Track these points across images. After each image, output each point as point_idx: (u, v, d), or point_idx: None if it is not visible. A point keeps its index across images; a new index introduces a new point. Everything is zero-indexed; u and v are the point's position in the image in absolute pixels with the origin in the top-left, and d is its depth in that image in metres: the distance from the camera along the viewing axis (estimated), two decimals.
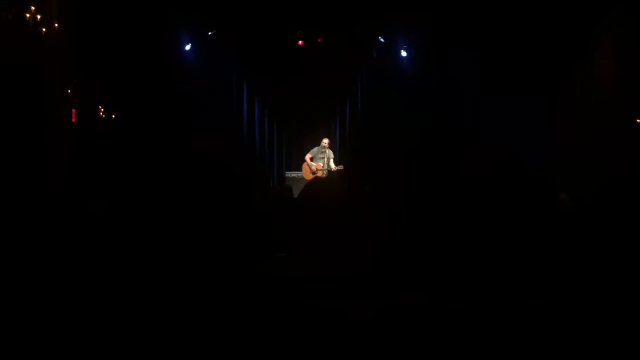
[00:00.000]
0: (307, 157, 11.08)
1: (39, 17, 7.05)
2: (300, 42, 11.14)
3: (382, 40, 11.14)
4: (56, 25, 7.49)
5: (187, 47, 10.89)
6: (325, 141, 10.97)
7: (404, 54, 11.11)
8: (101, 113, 9.11)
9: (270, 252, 3.04)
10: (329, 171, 10.82)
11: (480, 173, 8.78)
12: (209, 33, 10.87)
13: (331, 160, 10.88)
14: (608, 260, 2.51)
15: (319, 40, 11.11)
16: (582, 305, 1.92)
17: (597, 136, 8.24)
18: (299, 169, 11.48)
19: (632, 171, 7.30)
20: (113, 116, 9.37)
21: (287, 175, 11.85)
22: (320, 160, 10.97)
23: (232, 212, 4.20)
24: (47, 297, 1.94)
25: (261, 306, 1.90)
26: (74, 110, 8.38)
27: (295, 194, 7.25)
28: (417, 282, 2.34)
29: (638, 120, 7.86)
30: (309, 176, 10.98)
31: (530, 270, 2.49)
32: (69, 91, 8.26)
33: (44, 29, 7.17)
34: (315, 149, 11.09)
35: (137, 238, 2.77)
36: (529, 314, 1.87)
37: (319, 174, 10.88)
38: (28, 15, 6.93)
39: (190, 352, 1.69)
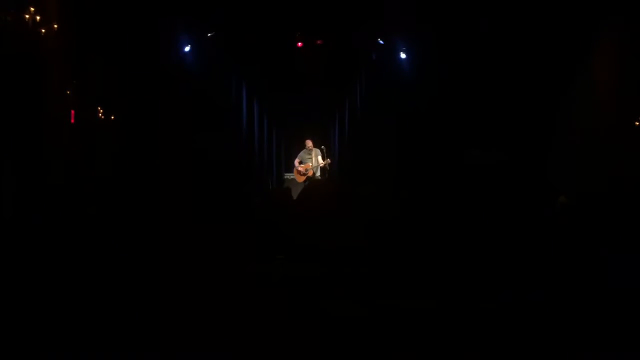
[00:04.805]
0: (296, 162, 11.33)
1: (38, 18, 7.05)
2: (299, 43, 11.14)
3: (381, 42, 11.13)
4: (55, 26, 7.48)
5: (187, 49, 10.89)
6: (309, 142, 11.21)
7: (403, 56, 11.10)
8: (100, 114, 9.11)
9: (270, 254, 3.04)
10: (320, 168, 10.96)
11: (480, 176, 8.78)
12: (209, 35, 10.87)
13: (319, 157, 11.04)
14: (607, 260, 2.52)
15: (319, 42, 11.11)
16: (582, 305, 1.92)
17: (597, 137, 8.24)
18: None
19: (632, 172, 7.30)
20: (112, 117, 9.36)
21: (286, 177, 11.87)
22: (309, 161, 11.16)
23: (232, 214, 4.19)
24: (45, 296, 1.94)
25: (261, 306, 1.90)
26: (73, 111, 8.38)
27: (294, 196, 7.26)
28: (416, 282, 2.34)
29: (637, 123, 7.86)
30: (300, 179, 11.16)
31: (531, 270, 2.49)
32: (68, 92, 8.26)
33: (43, 30, 7.16)
34: (302, 152, 11.36)
35: (136, 239, 2.76)
36: (529, 314, 1.87)
37: (310, 173, 11.05)
38: (28, 16, 6.93)
39: (191, 352, 1.69)
